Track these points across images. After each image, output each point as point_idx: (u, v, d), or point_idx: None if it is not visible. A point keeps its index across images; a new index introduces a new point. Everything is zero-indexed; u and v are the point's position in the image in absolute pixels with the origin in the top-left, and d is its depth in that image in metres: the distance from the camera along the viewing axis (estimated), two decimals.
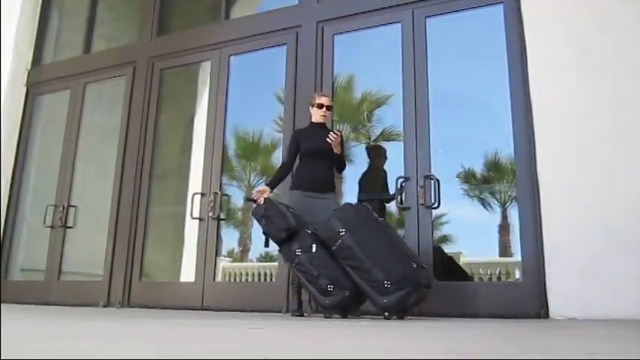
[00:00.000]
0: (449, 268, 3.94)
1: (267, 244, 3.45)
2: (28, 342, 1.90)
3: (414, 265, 3.02)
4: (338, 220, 3.15)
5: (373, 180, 4.67)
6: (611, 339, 2.64)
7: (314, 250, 3.18)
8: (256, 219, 3.52)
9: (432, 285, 3.24)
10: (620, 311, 3.27)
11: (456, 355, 2.30)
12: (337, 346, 2.45)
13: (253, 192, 3.72)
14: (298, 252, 3.23)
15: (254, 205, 3.59)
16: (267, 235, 3.40)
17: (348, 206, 3.30)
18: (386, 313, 3.01)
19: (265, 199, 3.53)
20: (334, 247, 3.13)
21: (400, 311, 3.05)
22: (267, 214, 3.37)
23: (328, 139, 3.52)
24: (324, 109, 3.77)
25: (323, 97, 3.81)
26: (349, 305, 3.17)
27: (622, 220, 3.58)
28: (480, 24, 4.66)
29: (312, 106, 3.81)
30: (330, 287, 3.10)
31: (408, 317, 3.21)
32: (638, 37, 3.80)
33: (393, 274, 2.95)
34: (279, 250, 3.43)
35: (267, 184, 3.72)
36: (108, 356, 1.55)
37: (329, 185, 3.68)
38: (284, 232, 3.31)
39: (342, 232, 3.10)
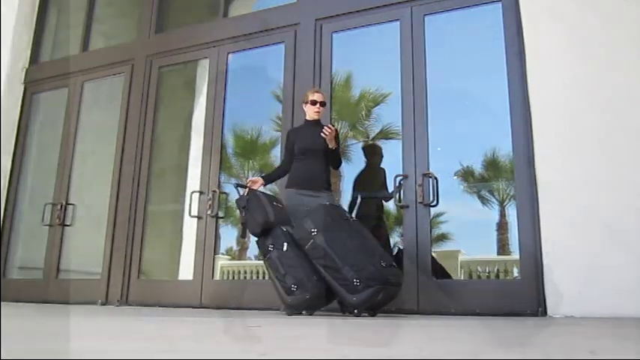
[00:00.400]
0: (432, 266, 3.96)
1: (243, 235, 3.56)
2: (29, 341, 1.90)
3: (383, 264, 3.10)
4: (310, 221, 3.25)
5: (370, 179, 4.68)
6: (609, 337, 2.65)
7: (285, 248, 3.27)
8: (238, 208, 3.56)
9: (402, 283, 3.32)
10: (618, 309, 3.29)
11: (456, 355, 2.30)
12: (337, 345, 2.45)
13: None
14: (270, 247, 3.33)
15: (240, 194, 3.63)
16: (244, 225, 3.45)
17: (320, 207, 3.34)
18: (355, 311, 3.05)
19: (250, 190, 3.55)
20: (306, 247, 3.22)
21: (370, 309, 3.09)
22: (248, 206, 3.42)
23: (322, 134, 3.49)
24: (317, 105, 3.74)
25: (316, 94, 3.79)
26: (310, 306, 3.26)
27: (621, 218, 3.59)
28: (478, 22, 4.66)
29: (306, 103, 3.80)
30: (293, 287, 3.20)
31: (380, 315, 3.24)
32: (638, 32, 3.80)
33: (362, 272, 3.04)
34: (256, 242, 3.48)
35: (262, 177, 3.73)
36: (108, 355, 1.54)
37: (323, 183, 3.65)
38: (260, 226, 3.37)
39: (313, 232, 3.20)
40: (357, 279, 3.02)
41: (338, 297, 3.18)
